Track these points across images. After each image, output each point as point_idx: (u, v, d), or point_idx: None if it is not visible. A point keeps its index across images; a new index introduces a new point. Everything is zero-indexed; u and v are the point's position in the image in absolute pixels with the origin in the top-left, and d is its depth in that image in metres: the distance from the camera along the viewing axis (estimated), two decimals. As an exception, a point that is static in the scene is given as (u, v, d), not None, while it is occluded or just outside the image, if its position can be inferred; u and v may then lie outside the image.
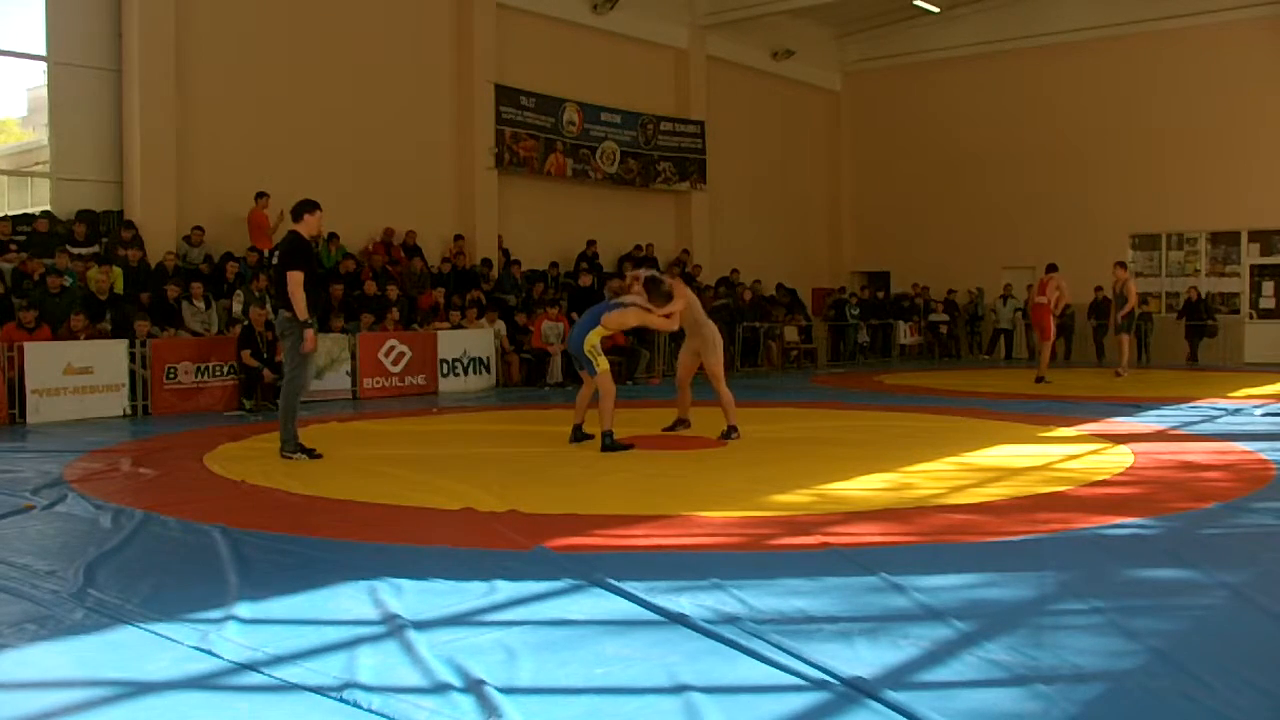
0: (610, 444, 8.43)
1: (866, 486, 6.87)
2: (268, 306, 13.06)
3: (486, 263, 17.44)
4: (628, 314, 8.84)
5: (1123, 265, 16.79)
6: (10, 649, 3.69)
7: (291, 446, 8.00)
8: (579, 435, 8.98)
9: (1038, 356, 15.96)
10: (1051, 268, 16.13)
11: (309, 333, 7.89)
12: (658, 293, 8.92)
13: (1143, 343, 21.67)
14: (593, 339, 8.59)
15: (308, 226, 8.11)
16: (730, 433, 9.15)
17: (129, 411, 11.60)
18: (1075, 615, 4.05)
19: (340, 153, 16.00)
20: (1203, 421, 10.65)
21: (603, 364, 8.61)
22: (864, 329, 22.69)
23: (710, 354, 9.35)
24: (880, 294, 24.41)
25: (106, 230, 13.84)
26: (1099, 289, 21.26)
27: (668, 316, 8.93)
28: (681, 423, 9.71)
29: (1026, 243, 22.53)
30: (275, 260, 8.24)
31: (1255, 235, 21.55)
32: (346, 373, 13.46)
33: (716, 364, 9.35)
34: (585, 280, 17.68)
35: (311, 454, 8.01)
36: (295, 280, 7.82)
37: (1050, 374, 15.85)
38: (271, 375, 12.11)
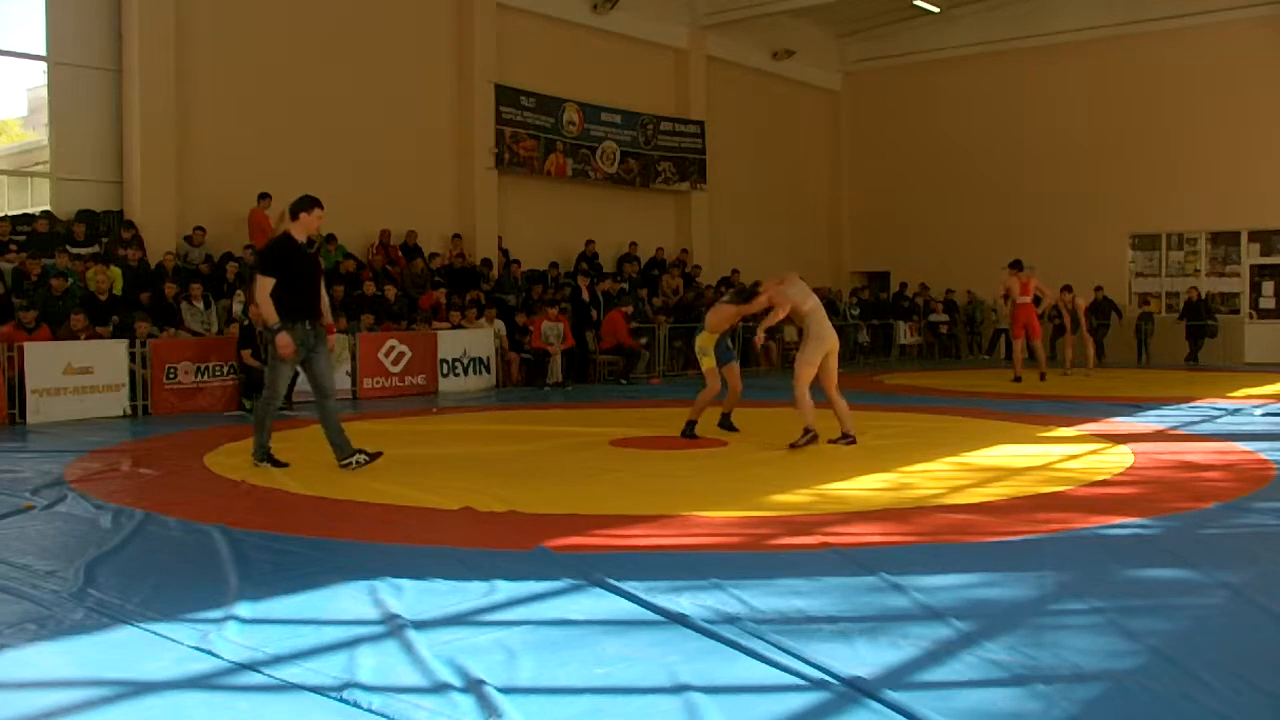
0: (688, 430, 9.36)
1: (866, 486, 6.87)
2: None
3: (486, 263, 17.45)
4: (721, 310, 9.53)
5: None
6: (10, 649, 3.69)
7: (260, 455, 7.73)
8: (725, 423, 9.75)
9: (1035, 355, 15.97)
10: (1017, 265, 15.86)
11: (279, 337, 7.42)
12: (742, 297, 9.54)
13: (1143, 343, 21.71)
14: (700, 341, 9.52)
15: (303, 226, 7.66)
16: (803, 437, 8.53)
17: (129, 411, 11.59)
18: (1075, 615, 4.05)
19: (340, 153, 16.00)
20: (1203, 421, 10.65)
21: (706, 363, 9.40)
22: (864, 329, 22.68)
23: (801, 349, 8.89)
24: (883, 294, 24.41)
25: (106, 230, 13.85)
26: (1099, 289, 21.27)
27: (767, 310, 9.17)
28: (845, 437, 8.90)
29: (1026, 243, 22.47)
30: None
31: (1255, 235, 21.56)
32: (346, 373, 13.45)
33: (799, 362, 8.77)
34: (584, 282, 17.66)
35: (276, 462, 7.72)
36: (262, 286, 7.48)
37: (1026, 373, 15.83)
38: (271, 375, 12.10)
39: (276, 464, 7.72)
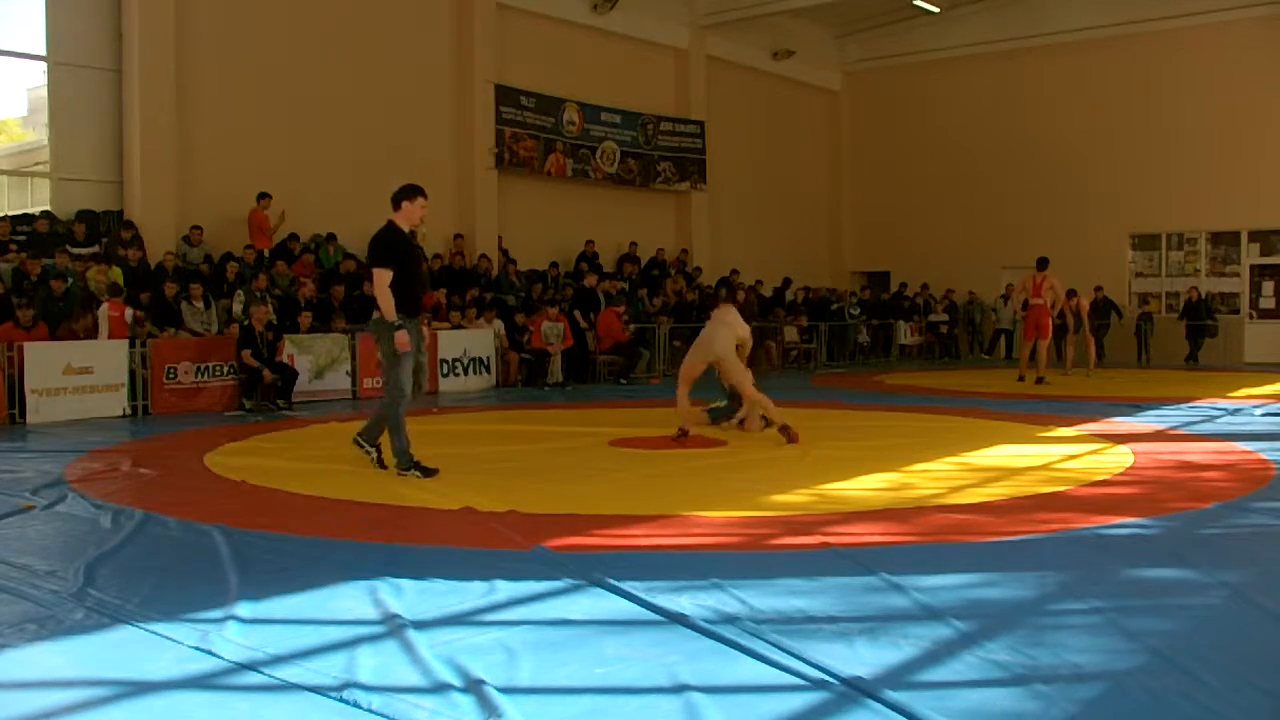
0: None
1: (866, 486, 6.87)
2: (270, 304, 13.05)
3: (484, 258, 17.44)
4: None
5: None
6: (10, 649, 3.69)
7: (406, 462, 7.20)
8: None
9: (1035, 357, 15.94)
10: (1043, 263, 15.79)
11: (399, 334, 7.03)
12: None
13: (1143, 343, 21.71)
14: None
15: (406, 216, 7.26)
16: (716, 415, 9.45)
17: (129, 411, 11.59)
18: (1075, 615, 4.05)
19: (340, 153, 16.00)
20: (1203, 421, 10.65)
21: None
22: (864, 329, 22.69)
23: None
24: (883, 295, 24.40)
25: (106, 230, 13.85)
26: (1099, 289, 21.28)
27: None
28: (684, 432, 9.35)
29: (1026, 243, 22.52)
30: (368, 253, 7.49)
31: (1255, 235, 21.57)
32: (346, 373, 13.45)
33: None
34: (590, 281, 17.66)
35: (427, 471, 7.17)
36: (381, 278, 7.07)
37: (1030, 374, 15.79)
38: (271, 375, 12.11)
39: (426, 471, 7.17)
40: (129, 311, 12.02)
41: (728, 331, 9.32)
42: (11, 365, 10.90)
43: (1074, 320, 17.21)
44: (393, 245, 7.19)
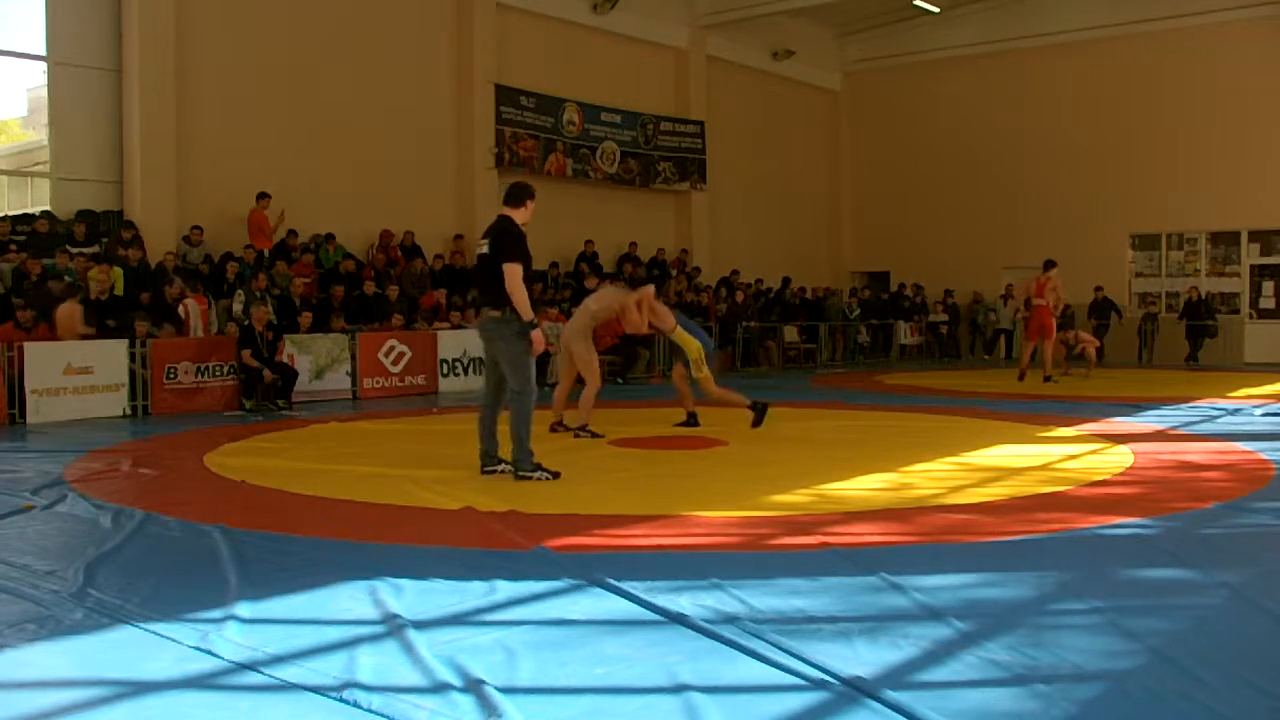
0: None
1: (866, 486, 6.87)
2: (270, 304, 13.05)
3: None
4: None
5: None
6: (10, 649, 3.69)
7: (529, 465, 7.01)
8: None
9: (1040, 357, 15.95)
10: (1049, 264, 15.82)
11: (536, 334, 6.91)
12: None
13: (1145, 343, 21.72)
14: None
15: (526, 213, 7.17)
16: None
17: (129, 411, 11.60)
18: (1075, 615, 4.05)
19: (340, 153, 16.01)
20: (1203, 421, 10.65)
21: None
22: (864, 329, 22.69)
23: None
24: (883, 295, 24.40)
25: (106, 230, 13.85)
26: (1099, 289, 21.28)
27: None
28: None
29: (1027, 243, 22.56)
30: (485, 249, 7.12)
31: (1255, 235, 21.58)
32: (346, 373, 13.46)
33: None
34: (590, 282, 17.64)
35: (553, 474, 7.01)
36: (515, 274, 6.80)
37: (1031, 373, 15.79)
38: (272, 375, 12.11)
39: (551, 474, 7.03)
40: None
41: (575, 320, 9.89)
42: (11, 365, 10.91)
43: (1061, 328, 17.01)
44: (523, 240, 7.07)
